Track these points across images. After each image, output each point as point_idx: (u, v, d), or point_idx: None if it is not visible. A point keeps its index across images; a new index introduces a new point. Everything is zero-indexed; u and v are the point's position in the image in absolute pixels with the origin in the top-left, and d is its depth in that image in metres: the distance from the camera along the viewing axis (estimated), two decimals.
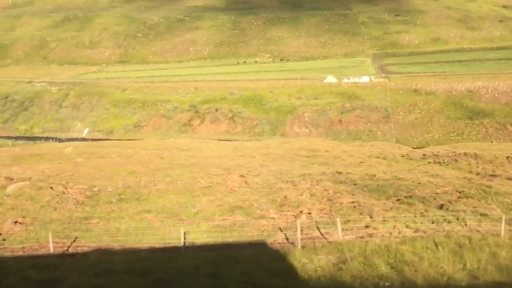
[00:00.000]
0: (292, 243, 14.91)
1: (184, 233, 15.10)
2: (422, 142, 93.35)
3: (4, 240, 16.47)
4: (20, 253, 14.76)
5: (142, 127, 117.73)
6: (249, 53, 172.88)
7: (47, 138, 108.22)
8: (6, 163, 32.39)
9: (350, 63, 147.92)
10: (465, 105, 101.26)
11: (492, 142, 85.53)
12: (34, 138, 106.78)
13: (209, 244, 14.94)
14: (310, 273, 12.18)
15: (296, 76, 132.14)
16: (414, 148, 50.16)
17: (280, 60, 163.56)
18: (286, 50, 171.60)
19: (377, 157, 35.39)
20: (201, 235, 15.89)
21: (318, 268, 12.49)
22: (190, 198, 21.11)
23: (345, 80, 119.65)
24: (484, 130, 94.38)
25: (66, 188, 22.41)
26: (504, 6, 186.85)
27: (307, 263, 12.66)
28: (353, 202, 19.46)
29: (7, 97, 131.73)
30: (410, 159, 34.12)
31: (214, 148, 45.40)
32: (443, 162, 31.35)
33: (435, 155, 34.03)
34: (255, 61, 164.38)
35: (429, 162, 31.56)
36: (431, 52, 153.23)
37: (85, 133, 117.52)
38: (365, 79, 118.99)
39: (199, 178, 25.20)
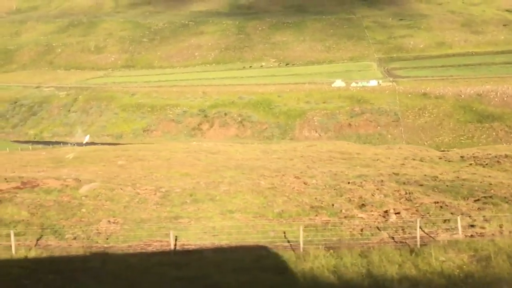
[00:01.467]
0: (403, 242, 14.98)
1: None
2: (432, 145, 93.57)
3: (107, 239, 16.84)
4: (131, 251, 15.07)
5: (151, 132, 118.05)
6: (254, 57, 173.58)
7: (57, 143, 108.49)
8: (51, 165, 32.74)
9: (356, 67, 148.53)
10: (474, 108, 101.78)
11: (503, 145, 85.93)
12: (44, 143, 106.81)
13: (331, 243, 14.88)
14: (451, 270, 12.29)
15: (303, 80, 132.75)
16: (442, 151, 50.46)
17: (286, 65, 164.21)
18: (291, 55, 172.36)
19: (414, 159, 35.84)
20: (310, 233, 16.01)
21: (464, 266, 12.61)
22: (262, 198, 21.47)
23: (353, 84, 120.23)
24: (494, 133, 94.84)
25: (135, 189, 22.78)
26: (507, 10, 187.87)
27: (445, 261, 12.86)
28: (436, 202, 19.78)
29: (16, 102, 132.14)
30: (449, 161, 34.49)
31: (242, 151, 45.79)
32: (486, 164, 31.71)
33: (474, 157, 34.41)
34: (261, 66, 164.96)
35: (470, 164, 31.96)
36: (437, 56, 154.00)
37: (85, 139, 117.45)
38: (373, 83, 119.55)
39: (256, 179, 25.57)
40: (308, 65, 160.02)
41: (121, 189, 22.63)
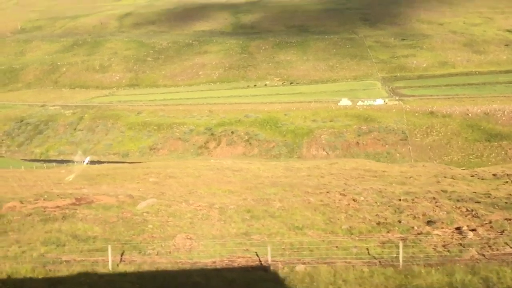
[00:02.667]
0: (495, 259, 14.62)
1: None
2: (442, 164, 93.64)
3: (189, 254, 16.51)
4: (218, 266, 14.78)
5: (158, 150, 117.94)
6: (258, 76, 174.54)
7: (63, 161, 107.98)
8: (85, 183, 32.53)
9: (360, 86, 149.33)
10: (482, 127, 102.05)
11: None
12: (56, 161, 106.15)
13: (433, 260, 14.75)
14: None
15: (308, 99, 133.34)
16: (463, 169, 50.45)
17: (290, 83, 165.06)
18: (295, 74, 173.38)
19: (445, 177, 35.76)
20: (392, 250, 16.08)
21: None
22: (321, 215, 21.26)
23: (360, 103, 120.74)
24: (503, 152, 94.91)
25: (189, 206, 22.54)
26: (508, 31, 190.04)
27: None
28: (508, 219, 19.58)
29: (22, 120, 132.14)
30: (482, 178, 34.43)
31: (264, 169, 45.64)
32: None
33: (507, 175, 34.38)
34: (265, 84, 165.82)
35: (506, 182, 31.89)
36: (440, 75, 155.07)
37: (85, 162, 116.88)
38: (379, 101, 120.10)
39: (303, 196, 25.38)
40: (312, 84, 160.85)
41: (177, 205, 22.40)
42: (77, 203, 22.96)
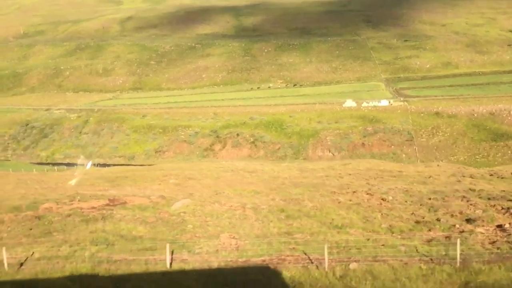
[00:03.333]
0: None
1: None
2: None
3: (237, 253, 16.65)
4: (270, 265, 14.76)
5: (163, 152, 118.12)
6: (261, 78, 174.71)
7: (70, 164, 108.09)
8: (107, 185, 32.63)
9: (364, 88, 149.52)
10: (488, 127, 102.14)
11: None
12: (66, 164, 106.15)
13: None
14: None
15: (313, 100, 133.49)
16: (479, 169, 50.39)
17: (293, 86, 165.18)
18: (298, 76, 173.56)
19: (463, 176, 35.81)
20: (439, 247, 16.07)
21: None
22: (355, 214, 21.32)
23: (364, 104, 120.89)
24: (509, 152, 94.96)
25: (222, 206, 22.63)
26: (511, 31, 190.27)
27: None
28: None
29: (27, 124, 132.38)
30: (502, 177, 34.48)
31: (278, 170, 45.68)
32: None
33: None
34: (269, 87, 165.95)
35: None
36: (443, 76, 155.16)
37: (88, 166, 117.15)
38: (384, 102, 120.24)
39: (332, 196, 25.43)
40: (315, 86, 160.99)
41: (210, 206, 22.49)
42: (111, 204, 23.06)
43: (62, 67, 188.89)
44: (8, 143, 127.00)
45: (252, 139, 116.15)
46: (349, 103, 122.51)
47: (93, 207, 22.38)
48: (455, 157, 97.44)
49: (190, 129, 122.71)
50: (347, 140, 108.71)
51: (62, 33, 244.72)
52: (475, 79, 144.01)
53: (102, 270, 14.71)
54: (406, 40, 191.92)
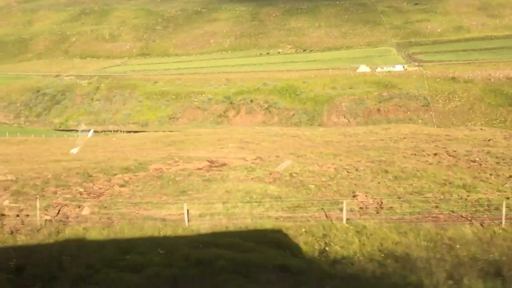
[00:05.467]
0: None
1: None
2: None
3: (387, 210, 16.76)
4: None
5: (177, 119, 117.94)
6: (270, 44, 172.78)
7: (84, 131, 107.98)
8: (171, 148, 32.58)
9: (375, 53, 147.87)
10: (505, 92, 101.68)
11: None
12: (76, 131, 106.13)
13: None
14: None
15: (325, 66, 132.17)
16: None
17: (303, 51, 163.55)
18: (307, 41, 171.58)
19: (505, 138, 36.03)
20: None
21: None
22: (461, 174, 21.09)
23: (379, 69, 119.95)
24: None
25: (321, 167, 22.75)
26: None
27: None
28: None
29: (38, 91, 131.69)
30: None
31: (323, 135, 45.58)
32: None
33: None
34: (278, 52, 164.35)
35: None
36: (455, 40, 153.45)
37: (89, 135, 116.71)
38: (398, 67, 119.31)
39: (415, 158, 25.59)
40: (326, 51, 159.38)
41: (313, 167, 22.58)
42: (213, 165, 23.18)
43: (67, 33, 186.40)
44: (20, 110, 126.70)
45: (266, 106, 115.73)
46: (363, 68, 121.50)
47: (198, 168, 22.46)
48: (472, 122, 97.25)
49: (203, 95, 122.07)
50: (362, 106, 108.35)
51: None
52: (489, 43, 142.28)
53: (278, 224, 14.77)
54: (416, 4, 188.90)
